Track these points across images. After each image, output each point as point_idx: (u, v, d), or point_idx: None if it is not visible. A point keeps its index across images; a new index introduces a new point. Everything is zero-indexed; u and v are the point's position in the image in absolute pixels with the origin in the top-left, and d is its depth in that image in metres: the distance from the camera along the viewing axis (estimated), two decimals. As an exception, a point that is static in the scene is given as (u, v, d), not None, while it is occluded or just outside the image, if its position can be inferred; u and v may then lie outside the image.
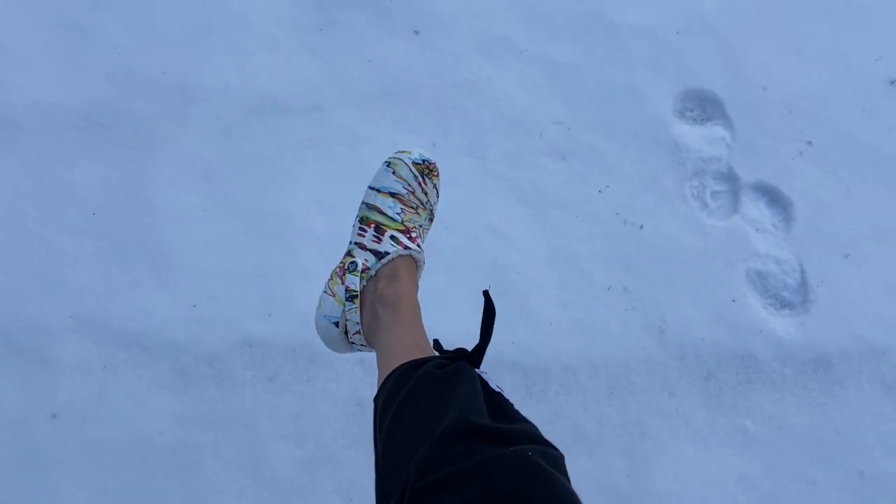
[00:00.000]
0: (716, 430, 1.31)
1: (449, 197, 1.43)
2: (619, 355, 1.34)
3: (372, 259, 0.90)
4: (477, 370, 0.71)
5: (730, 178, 1.51)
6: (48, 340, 1.28)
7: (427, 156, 0.97)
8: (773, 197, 1.51)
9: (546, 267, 1.40)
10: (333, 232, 1.39)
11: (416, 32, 1.59)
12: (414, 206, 0.95)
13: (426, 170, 0.96)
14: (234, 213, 1.40)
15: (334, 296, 0.91)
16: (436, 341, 0.82)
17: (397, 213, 0.93)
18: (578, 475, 1.26)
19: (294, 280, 1.35)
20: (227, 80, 1.49)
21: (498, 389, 0.67)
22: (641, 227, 1.45)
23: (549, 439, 0.63)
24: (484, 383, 0.67)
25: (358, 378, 1.29)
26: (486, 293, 0.76)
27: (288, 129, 1.47)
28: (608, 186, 1.48)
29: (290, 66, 1.52)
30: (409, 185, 0.95)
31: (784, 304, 1.43)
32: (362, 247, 0.92)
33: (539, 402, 1.30)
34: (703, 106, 1.59)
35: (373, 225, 0.92)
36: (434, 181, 0.98)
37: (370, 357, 1.30)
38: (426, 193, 0.97)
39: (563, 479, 0.56)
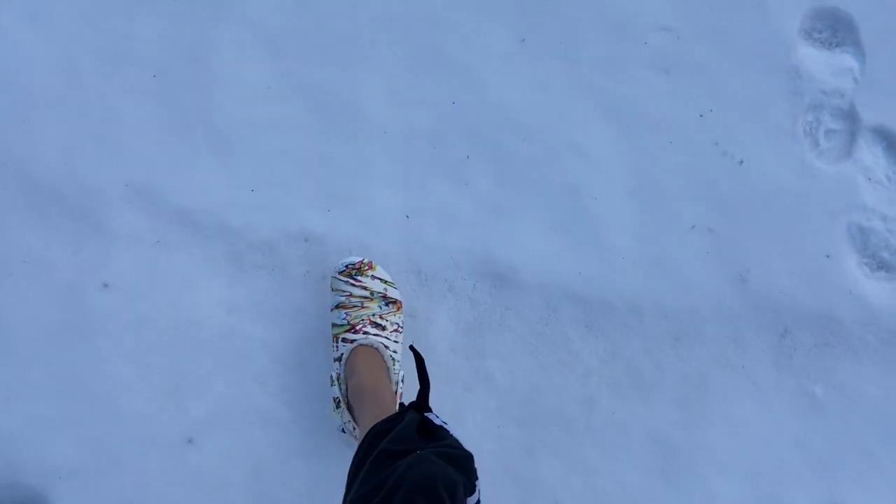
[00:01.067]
0: (782, 391, 1.24)
1: (532, 103, 1.30)
2: (691, 300, 1.25)
3: (336, 366, 1.10)
4: (424, 413, 0.86)
5: (850, 116, 1.34)
6: (102, 206, 1.24)
7: (348, 260, 1.16)
8: (893, 144, 1.33)
9: (627, 195, 1.29)
10: (401, 128, 1.28)
11: None
12: (357, 304, 1.13)
13: (354, 271, 1.15)
14: (300, 92, 1.30)
15: (336, 408, 1.08)
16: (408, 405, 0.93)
17: (342, 318, 1.12)
18: (628, 419, 1.22)
19: (356, 176, 1.27)
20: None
21: (441, 423, 0.85)
22: (741, 162, 1.30)
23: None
24: (427, 421, 0.85)
25: (412, 287, 1.23)
26: (412, 348, 0.92)
27: (367, 2, 1.32)
28: (711, 111, 1.32)
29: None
30: (345, 290, 1.14)
31: (881, 266, 1.30)
32: (335, 360, 1.11)
33: (598, 339, 1.23)
34: (834, 28, 1.38)
35: (335, 339, 1.12)
36: (370, 273, 1.16)
37: (426, 268, 1.24)
38: (366, 287, 1.14)
39: (442, 467, 0.73)
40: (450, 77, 1.32)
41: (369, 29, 1.32)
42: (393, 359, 1.09)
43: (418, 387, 0.89)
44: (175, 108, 1.28)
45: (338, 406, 1.06)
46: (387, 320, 1.13)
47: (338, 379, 1.07)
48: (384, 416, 0.88)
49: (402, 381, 1.10)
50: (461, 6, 1.34)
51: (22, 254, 1.21)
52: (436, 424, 0.84)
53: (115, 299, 1.21)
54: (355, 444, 0.94)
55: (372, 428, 0.85)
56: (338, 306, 1.14)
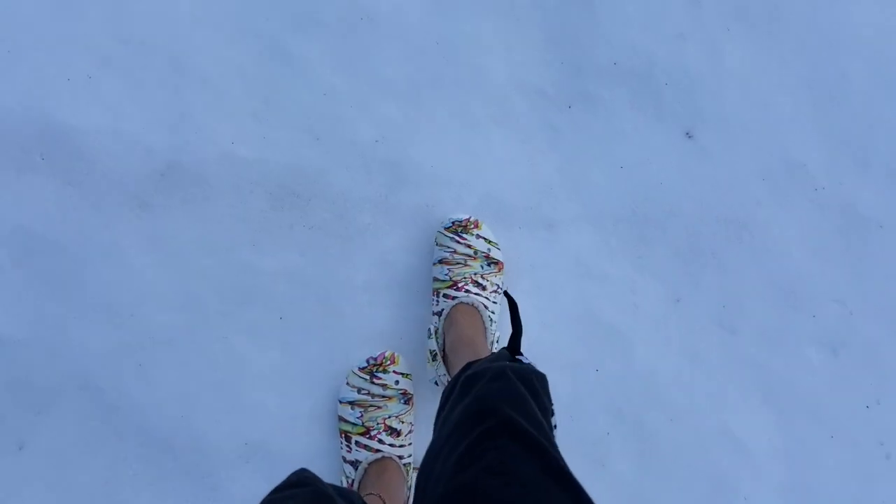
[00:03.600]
0: None
1: (682, 377, 1.19)
2: None
3: (436, 320, 1.10)
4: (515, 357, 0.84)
5: None
6: (219, 466, 1.14)
7: (455, 217, 1.15)
8: None
9: (779, 495, 1.18)
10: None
11: (689, 135, 1.24)
12: (460, 261, 1.12)
13: (460, 228, 1.14)
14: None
15: (431, 360, 1.06)
16: None
17: (445, 274, 1.11)
18: None
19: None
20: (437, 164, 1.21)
21: (529, 362, 0.82)
22: (907, 469, 1.19)
23: None
24: (517, 361, 0.82)
25: None
26: (506, 294, 0.92)
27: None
28: (878, 403, 1.20)
29: (521, 149, 1.22)
30: (449, 246, 1.13)
31: None
32: (434, 314, 1.11)
33: None
34: None
35: (435, 293, 1.12)
36: (475, 231, 1.14)
37: None
38: (470, 245, 1.13)
39: (516, 384, 0.71)
40: (595, 339, 1.20)
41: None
42: (491, 319, 1.09)
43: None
44: (299, 354, 1.19)
45: (434, 359, 1.05)
46: (488, 280, 1.12)
47: (436, 333, 1.06)
48: (482, 353, 0.92)
49: (498, 341, 1.09)
50: (615, 259, 1.21)
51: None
52: (525, 363, 0.82)
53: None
54: None
55: (465, 367, 0.84)
56: (441, 261, 1.13)
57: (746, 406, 1.19)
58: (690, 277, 1.21)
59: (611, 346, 1.20)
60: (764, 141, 1.23)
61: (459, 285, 1.10)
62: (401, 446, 1.08)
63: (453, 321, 1.07)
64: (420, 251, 1.19)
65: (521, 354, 0.85)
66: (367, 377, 1.11)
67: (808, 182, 1.23)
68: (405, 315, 1.19)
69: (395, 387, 1.11)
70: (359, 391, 1.10)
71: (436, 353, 1.05)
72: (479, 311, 1.08)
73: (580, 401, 1.19)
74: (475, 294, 1.10)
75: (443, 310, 1.08)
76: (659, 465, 1.18)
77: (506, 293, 0.93)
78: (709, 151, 1.22)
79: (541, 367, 0.81)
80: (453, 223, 1.15)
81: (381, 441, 1.07)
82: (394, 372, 1.12)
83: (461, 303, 1.08)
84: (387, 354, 1.12)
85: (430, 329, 1.09)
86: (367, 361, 1.12)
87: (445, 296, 1.10)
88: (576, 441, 1.18)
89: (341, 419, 1.11)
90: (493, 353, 0.88)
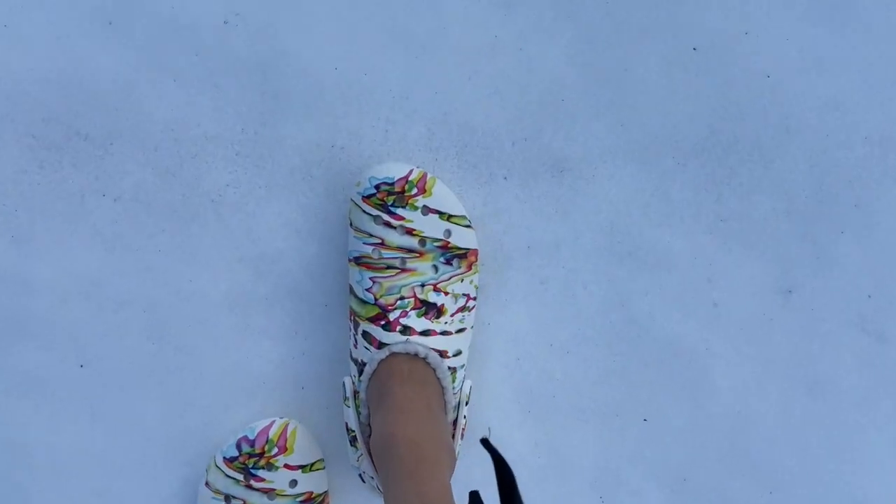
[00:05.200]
0: None
1: (790, 424, 0.71)
2: None
3: (354, 374, 0.63)
4: None
5: None
6: None
7: (387, 174, 0.61)
8: None
9: None
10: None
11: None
12: (395, 261, 0.61)
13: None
14: None
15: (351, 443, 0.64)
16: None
17: (366, 289, 0.61)
18: None
19: None
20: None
21: None
22: None
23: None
24: None
25: None
26: (486, 445, 0.48)
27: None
28: None
29: (505, 25, 0.66)
30: (373, 234, 0.61)
31: None
32: (353, 360, 0.64)
33: None
34: None
35: (353, 321, 0.63)
36: (420, 200, 0.61)
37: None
38: (413, 230, 0.61)
39: None
40: (643, 367, 0.70)
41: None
42: (453, 370, 0.62)
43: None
44: (113, 430, 0.68)
45: (353, 442, 0.63)
46: (448, 292, 0.62)
47: (355, 398, 0.62)
48: (431, 490, 0.52)
49: (468, 401, 0.64)
50: (678, 223, 0.68)
51: None
52: None
53: None
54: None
55: None
56: (358, 261, 0.62)
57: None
58: (813, 250, 0.68)
59: (670, 377, 0.70)
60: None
61: (392, 313, 0.60)
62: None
63: (384, 389, 0.59)
64: (323, 234, 0.67)
65: None
66: (240, 474, 0.64)
67: None
68: (304, 348, 0.68)
69: (289, 492, 0.63)
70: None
71: (354, 436, 0.62)
72: (430, 367, 0.60)
73: (616, 469, 0.71)
74: (420, 332, 0.60)
75: (364, 363, 0.61)
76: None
77: (484, 442, 0.48)
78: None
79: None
80: (378, 186, 0.61)
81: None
82: (286, 467, 0.64)
83: (396, 354, 0.59)
84: (274, 430, 0.65)
85: (345, 385, 0.62)
86: (239, 445, 0.64)
87: (368, 335, 0.61)
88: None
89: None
90: None
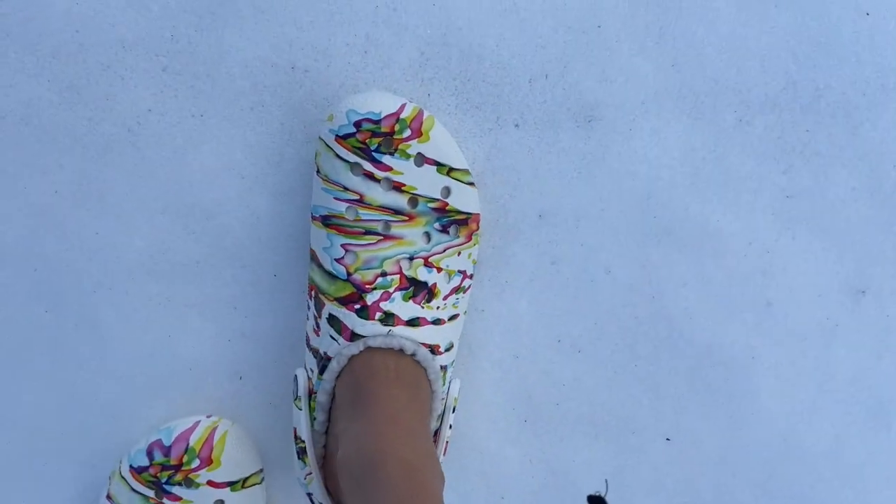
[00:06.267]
0: None
1: (847, 457, 0.58)
2: None
3: (314, 365, 0.48)
4: None
5: None
6: None
7: (370, 108, 0.44)
8: None
9: None
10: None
11: None
12: (375, 224, 0.46)
13: (374, 137, 0.44)
14: None
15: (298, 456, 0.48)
16: None
17: (336, 261, 0.46)
18: None
19: None
20: None
21: None
22: None
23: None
24: None
25: None
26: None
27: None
28: None
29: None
30: (348, 186, 0.45)
31: None
32: (310, 349, 0.48)
33: None
34: None
35: (314, 299, 0.48)
36: (412, 146, 0.45)
37: None
38: (402, 185, 0.45)
39: None
40: (672, 374, 0.56)
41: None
42: (444, 369, 0.49)
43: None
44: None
45: (301, 454, 0.48)
46: (442, 268, 0.48)
47: (308, 398, 0.48)
48: None
49: (454, 408, 0.50)
50: (730, 195, 0.53)
51: None
52: None
53: None
54: None
55: None
56: (327, 221, 0.47)
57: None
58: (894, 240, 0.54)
59: (704, 389, 0.56)
60: None
61: (370, 294, 0.46)
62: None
63: (361, 392, 0.45)
64: (276, 182, 0.51)
65: None
66: (150, 489, 0.50)
67: None
68: (244, 328, 0.53)
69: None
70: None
71: (304, 448, 0.47)
72: (421, 364, 0.47)
73: (630, 498, 0.57)
74: (408, 323, 0.46)
75: (328, 356, 0.46)
76: None
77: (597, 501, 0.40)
78: None
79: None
80: (359, 124, 0.45)
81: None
82: (209, 484, 0.50)
83: (373, 349, 0.45)
84: (197, 435, 0.50)
85: (297, 379, 0.48)
86: (151, 452, 0.50)
87: (336, 321, 0.46)
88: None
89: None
90: None
